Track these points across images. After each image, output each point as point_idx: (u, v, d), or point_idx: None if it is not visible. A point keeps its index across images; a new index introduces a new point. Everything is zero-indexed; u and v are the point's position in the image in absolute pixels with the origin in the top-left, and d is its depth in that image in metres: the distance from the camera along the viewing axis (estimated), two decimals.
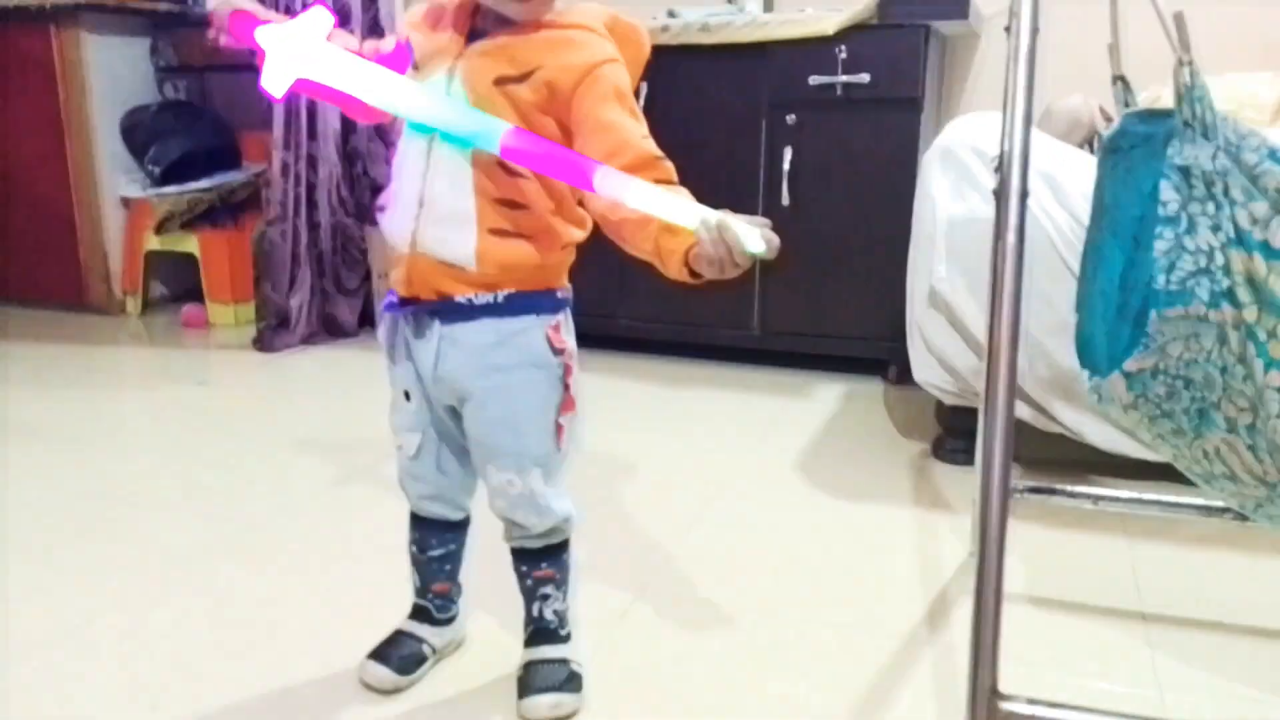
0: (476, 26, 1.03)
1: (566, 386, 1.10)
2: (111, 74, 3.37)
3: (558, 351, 1.08)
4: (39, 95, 3.32)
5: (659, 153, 0.98)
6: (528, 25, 1.01)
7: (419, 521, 1.22)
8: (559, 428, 1.10)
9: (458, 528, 1.23)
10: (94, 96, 3.32)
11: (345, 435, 2.16)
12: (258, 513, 1.76)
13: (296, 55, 0.93)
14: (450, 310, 1.05)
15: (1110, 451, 1.75)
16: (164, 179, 3.28)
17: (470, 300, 1.04)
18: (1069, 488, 1.52)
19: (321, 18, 0.95)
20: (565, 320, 1.10)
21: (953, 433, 2.00)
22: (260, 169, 3.22)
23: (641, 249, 0.96)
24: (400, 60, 1.06)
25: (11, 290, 3.56)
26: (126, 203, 3.40)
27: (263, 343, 2.96)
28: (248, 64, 3.01)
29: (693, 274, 0.92)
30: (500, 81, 0.99)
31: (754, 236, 0.85)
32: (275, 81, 0.94)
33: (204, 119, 3.46)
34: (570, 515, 1.15)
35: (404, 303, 1.08)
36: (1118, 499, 1.52)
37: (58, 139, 3.34)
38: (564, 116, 1.00)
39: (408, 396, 1.13)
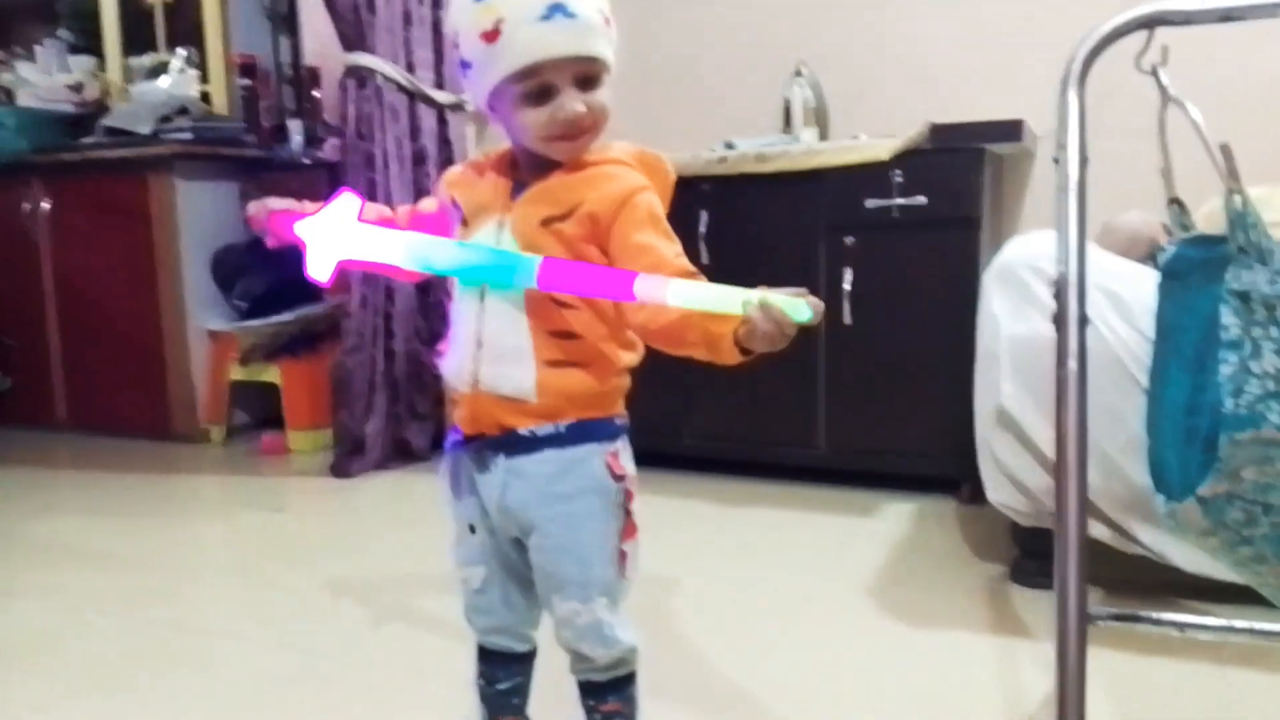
0: (518, 177, 1.09)
1: (628, 512, 1.11)
2: (201, 216, 3.57)
3: (618, 478, 1.10)
4: (133, 236, 3.53)
5: (692, 268, 1.01)
6: (567, 166, 1.06)
7: (486, 654, 1.22)
8: (622, 554, 1.11)
9: (524, 660, 1.23)
10: (185, 236, 3.51)
11: (416, 562, 2.18)
12: (329, 642, 1.77)
13: (334, 241, 1.02)
14: (514, 443, 1.08)
15: (1196, 574, 1.69)
16: (249, 313, 3.44)
17: (533, 432, 1.07)
18: (1153, 614, 1.46)
19: (349, 202, 1.03)
20: (624, 447, 1.12)
21: (1030, 555, 1.95)
22: (340, 301, 3.35)
23: (691, 344, 0.97)
24: (443, 222, 1.14)
25: (100, 421, 3.72)
26: (213, 335, 3.56)
27: (338, 468, 3.02)
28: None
29: (744, 351, 0.94)
30: (547, 222, 1.04)
31: (800, 307, 0.88)
32: (319, 269, 1.02)
33: (287, 255, 3.62)
34: (635, 646, 1.15)
35: (468, 440, 1.12)
36: (1206, 626, 1.45)
37: (149, 277, 3.53)
38: (605, 244, 1.04)
39: (472, 530, 1.15)
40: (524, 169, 1.09)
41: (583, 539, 1.09)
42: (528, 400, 1.05)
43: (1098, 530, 1.78)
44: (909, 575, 2.04)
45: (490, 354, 1.06)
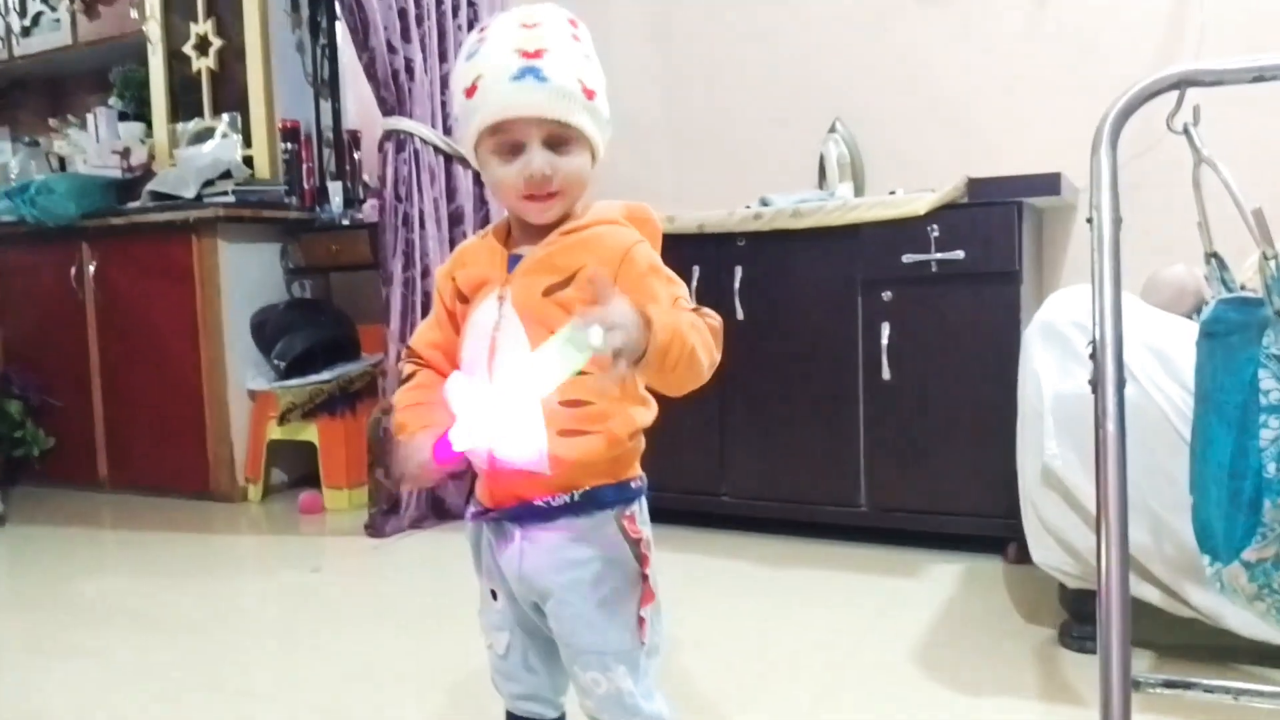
0: (513, 249, 1.10)
1: (644, 578, 1.09)
2: (244, 276, 3.63)
3: (634, 541, 1.09)
4: (178, 297, 3.59)
5: (691, 305, 1.04)
6: (558, 234, 1.07)
7: None
8: (640, 621, 1.09)
9: None
10: (227, 297, 3.57)
11: (451, 624, 2.16)
12: (365, 707, 1.76)
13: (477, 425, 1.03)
14: (529, 514, 1.08)
15: (1252, 638, 1.62)
16: (289, 372, 3.47)
17: (548, 503, 1.07)
18: (1206, 681, 1.40)
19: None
20: (640, 509, 1.12)
21: (1080, 618, 1.88)
22: (377, 359, 3.37)
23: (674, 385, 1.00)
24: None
25: (141, 480, 3.76)
26: (253, 395, 3.60)
27: (374, 528, 3.02)
28: (367, 264, 3.18)
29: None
30: (549, 291, 1.05)
31: (591, 334, 0.88)
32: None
33: (326, 314, 3.69)
34: (664, 716, 1.12)
35: (487, 511, 1.12)
36: (1261, 692, 1.39)
37: (192, 336, 3.58)
38: None
39: (495, 596, 1.15)
40: (518, 238, 1.11)
41: (597, 607, 1.07)
42: (541, 470, 1.05)
43: (1148, 592, 1.72)
44: (954, 638, 1.98)
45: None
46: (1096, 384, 0.90)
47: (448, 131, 3.12)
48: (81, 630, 2.25)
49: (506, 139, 1.04)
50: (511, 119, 1.02)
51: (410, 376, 1.17)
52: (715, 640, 1.99)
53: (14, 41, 4.48)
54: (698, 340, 0.98)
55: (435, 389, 1.12)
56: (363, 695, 1.81)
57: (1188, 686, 1.41)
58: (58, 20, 4.34)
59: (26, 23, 4.43)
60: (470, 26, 3.18)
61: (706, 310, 1.04)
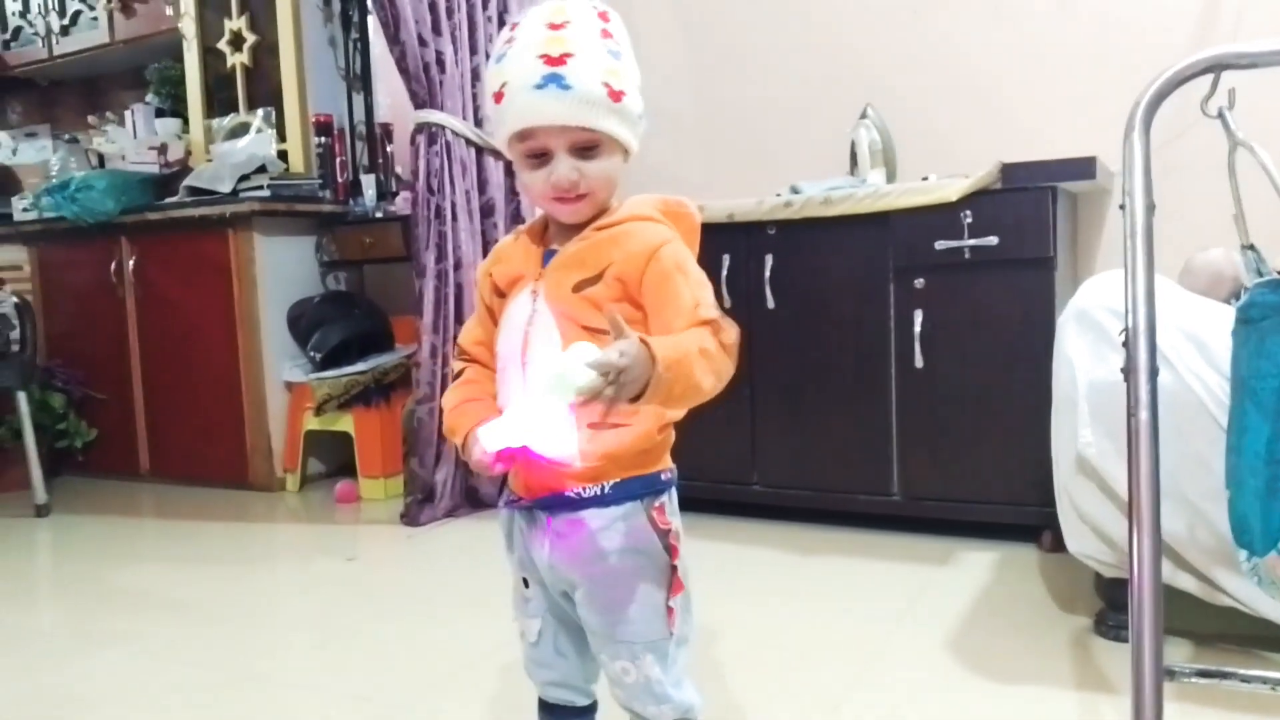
0: (548, 245, 1.11)
1: (674, 569, 1.10)
2: (279, 270, 3.67)
3: (663, 532, 1.09)
4: (215, 291, 3.64)
5: (710, 314, 1.02)
6: (591, 230, 1.08)
7: (547, 708, 1.22)
8: (669, 611, 1.10)
9: (585, 713, 1.22)
10: (264, 290, 3.61)
11: (486, 612, 2.18)
12: (401, 694, 1.78)
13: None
14: (559, 503, 1.09)
15: None
16: (324, 364, 3.51)
17: (579, 493, 1.07)
18: (1243, 670, 1.39)
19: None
20: (669, 500, 1.12)
21: (1115, 606, 1.86)
22: (411, 350, 3.40)
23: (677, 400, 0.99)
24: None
25: (179, 470, 3.82)
26: (289, 386, 3.65)
27: (409, 517, 3.05)
28: (400, 256, 3.21)
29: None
30: (579, 287, 1.05)
31: (584, 375, 0.89)
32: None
33: (361, 307, 3.72)
34: (694, 705, 1.13)
35: (519, 500, 1.13)
36: None
37: (229, 330, 3.63)
38: (638, 299, 1.05)
39: (526, 584, 1.17)
40: (553, 234, 1.12)
41: (626, 597, 1.08)
42: (571, 464, 1.05)
43: (1185, 581, 1.71)
44: (988, 627, 1.97)
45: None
46: (1129, 372, 0.89)
47: (479, 124, 3.14)
48: (122, 618, 2.29)
49: (533, 146, 1.04)
50: (535, 127, 1.03)
51: (459, 374, 1.19)
52: (747, 628, 2.00)
53: (54, 40, 4.55)
54: (705, 368, 0.98)
55: (483, 383, 1.15)
56: (400, 684, 1.83)
57: (1224, 676, 1.40)
58: (95, 19, 4.41)
59: (65, 22, 4.50)
60: (500, 19, 3.20)
61: (725, 322, 1.03)
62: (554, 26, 1.03)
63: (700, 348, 0.98)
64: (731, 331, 1.03)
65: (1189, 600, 1.72)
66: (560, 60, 1.01)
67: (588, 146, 1.04)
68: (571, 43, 1.02)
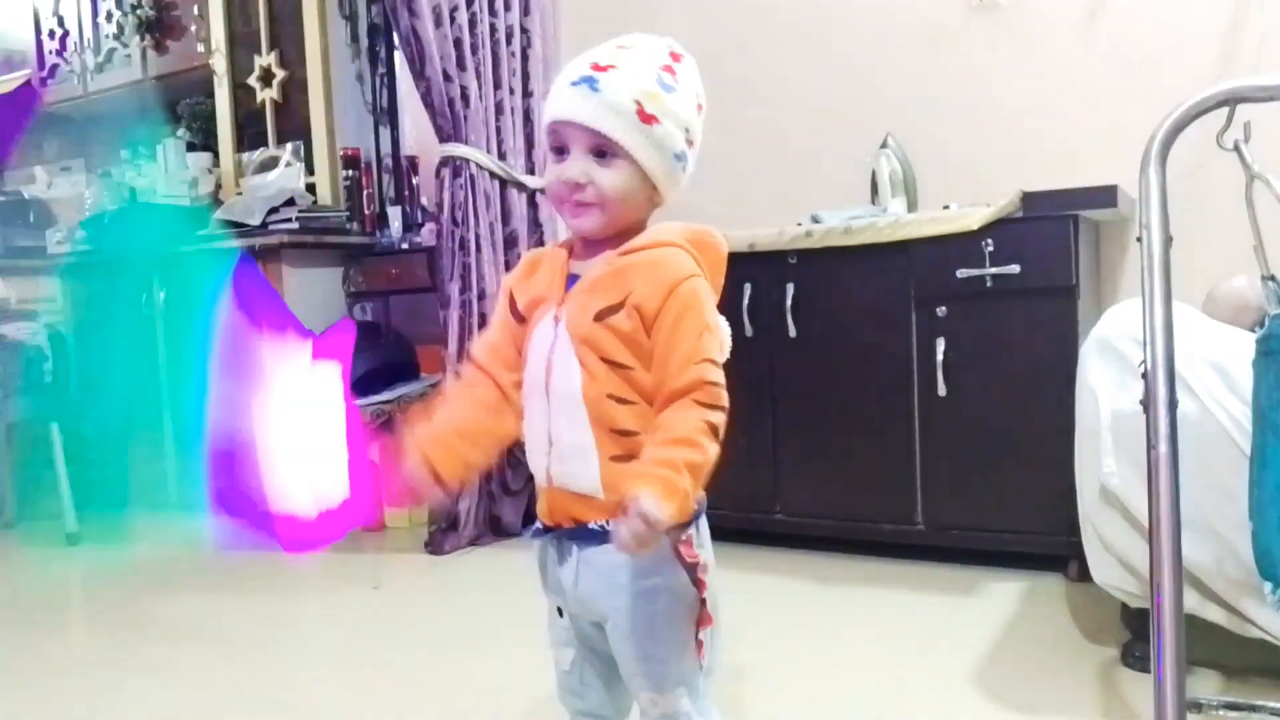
0: (573, 268, 1.12)
1: (702, 602, 1.09)
2: (308, 300, 3.71)
3: (689, 566, 1.08)
4: None
5: (710, 375, 1.01)
6: (616, 254, 1.08)
7: None
8: (698, 644, 1.10)
9: None
10: None
11: (510, 641, 2.19)
12: None
13: None
14: (584, 536, 1.09)
15: None
16: (351, 394, 3.54)
17: (603, 526, 1.07)
18: (1271, 704, 1.37)
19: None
20: (697, 532, 1.11)
21: (1142, 637, 1.85)
22: (436, 379, 3.43)
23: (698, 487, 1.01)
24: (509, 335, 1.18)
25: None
26: None
27: (434, 545, 3.07)
28: (425, 287, 3.24)
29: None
30: (600, 316, 1.05)
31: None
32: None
33: (387, 337, 3.76)
34: None
35: (547, 530, 1.14)
36: None
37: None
38: (652, 331, 1.05)
39: (560, 613, 1.17)
40: (579, 254, 1.13)
41: (652, 630, 1.08)
42: (595, 497, 1.06)
43: (1213, 613, 1.69)
44: (1014, 658, 1.96)
45: (559, 452, 1.08)
46: (1148, 404, 0.89)
47: (502, 157, 3.18)
48: (154, 646, 2.32)
49: (557, 140, 1.08)
50: (559, 121, 1.06)
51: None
52: (770, 658, 1.99)
53: (89, 78, 4.66)
54: (691, 474, 0.97)
55: (473, 388, 1.16)
56: (426, 712, 1.84)
57: (1252, 709, 1.39)
58: (129, 56, 4.51)
59: (100, 59, 4.61)
60: (524, 54, 3.25)
61: (716, 391, 1.01)
62: (621, 47, 1.08)
63: (684, 456, 0.97)
64: (720, 408, 1.01)
65: (1219, 632, 1.70)
66: (604, 68, 1.05)
67: (605, 154, 1.05)
68: (623, 60, 1.06)
